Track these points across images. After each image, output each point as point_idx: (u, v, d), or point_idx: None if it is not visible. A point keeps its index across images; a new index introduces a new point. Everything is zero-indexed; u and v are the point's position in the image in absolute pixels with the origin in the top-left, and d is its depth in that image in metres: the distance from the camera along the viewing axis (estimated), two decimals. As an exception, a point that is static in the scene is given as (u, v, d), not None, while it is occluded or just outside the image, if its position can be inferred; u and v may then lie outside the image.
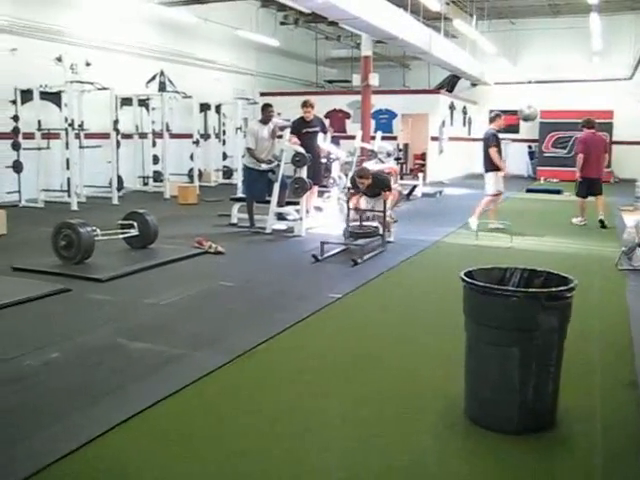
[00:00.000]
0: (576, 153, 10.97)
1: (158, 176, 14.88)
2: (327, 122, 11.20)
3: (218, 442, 3.25)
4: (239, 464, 3.04)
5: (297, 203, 9.37)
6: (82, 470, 2.97)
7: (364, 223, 8.38)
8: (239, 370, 4.21)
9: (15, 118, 12.24)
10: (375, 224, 8.42)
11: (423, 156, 20.17)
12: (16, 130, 12.20)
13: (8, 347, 4.52)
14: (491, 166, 9.96)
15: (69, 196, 11.98)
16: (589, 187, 10.71)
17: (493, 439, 3.25)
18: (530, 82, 21.82)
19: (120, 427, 3.32)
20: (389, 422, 3.47)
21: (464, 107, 22.26)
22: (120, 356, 4.41)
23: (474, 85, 23.11)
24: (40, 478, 2.87)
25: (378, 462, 3.06)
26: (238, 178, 15.34)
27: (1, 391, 3.80)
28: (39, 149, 12.43)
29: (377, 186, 8.63)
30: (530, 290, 3.39)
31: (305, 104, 9.89)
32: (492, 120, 10.25)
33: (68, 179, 12.23)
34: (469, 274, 3.46)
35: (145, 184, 15.28)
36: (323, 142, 10.18)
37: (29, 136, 12.35)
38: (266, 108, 9.71)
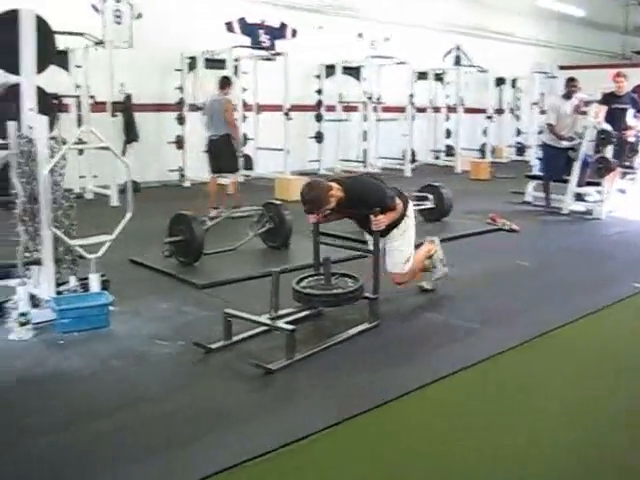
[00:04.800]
0: None
1: (450, 150, 14.92)
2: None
3: (500, 419, 3.19)
4: (516, 445, 2.93)
5: (598, 184, 8.76)
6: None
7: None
8: (533, 351, 4.08)
9: (319, 92, 13.00)
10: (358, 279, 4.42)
11: None
12: (319, 103, 12.97)
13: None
14: None
15: (364, 167, 12.50)
16: None
17: None
18: None
19: (421, 390, 3.42)
20: None
21: None
22: (416, 324, 4.50)
23: None
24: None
25: None
26: (531, 155, 14.82)
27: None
28: (339, 121, 13.11)
29: (362, 204, 4.50)
30: None
31: (618, 75, 9.22)
32: None
33: (364, 150, 12.76)
34: None
35: (436, 158, 15.38)
36: (632, 119, 9.39)
37: (330, 109, 13.09)
38: (570, 82, 9.21)
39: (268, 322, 4.01)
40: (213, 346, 3.84)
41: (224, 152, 8.23)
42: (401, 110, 13.38)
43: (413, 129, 13.46)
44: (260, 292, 4.52)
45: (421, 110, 14.51)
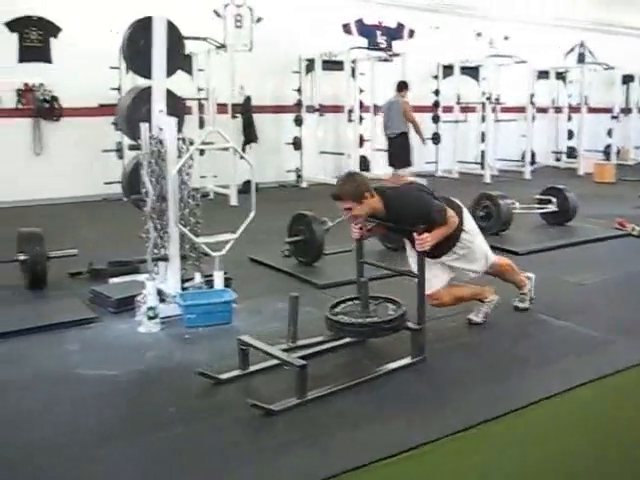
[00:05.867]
0: None
1: (572, 152, 14.36)
2: None
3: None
4: None
5: None
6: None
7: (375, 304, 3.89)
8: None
9: (436, 92, 12.85)
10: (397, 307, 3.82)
11: None
12: (436, 104, 12.81)
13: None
14: None
15: (482, 168, 12.23)
16: None
17: None
18: None
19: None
20: None
21: None
22: (544, 332, 4.32)
23: None
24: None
25: None
26: (660, 157, 14.10)
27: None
28: (456, 122, 12.91)
29: (402, 220, 3.94)
30: None
31: None
32: None
33: (482, 152, 12.50)
34: None
35: (557, 160, 14.83)
36: None
37: (448, 109, 12.90)
38: None
39: (279, 354, 3.45)
40: (223, 377, 3.46)
41: (397, 149, 9.50)
42: (521, 110, 13.02)
43: (533, 130, 13.04)
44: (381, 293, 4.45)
45: (542, 110, 14.03)
